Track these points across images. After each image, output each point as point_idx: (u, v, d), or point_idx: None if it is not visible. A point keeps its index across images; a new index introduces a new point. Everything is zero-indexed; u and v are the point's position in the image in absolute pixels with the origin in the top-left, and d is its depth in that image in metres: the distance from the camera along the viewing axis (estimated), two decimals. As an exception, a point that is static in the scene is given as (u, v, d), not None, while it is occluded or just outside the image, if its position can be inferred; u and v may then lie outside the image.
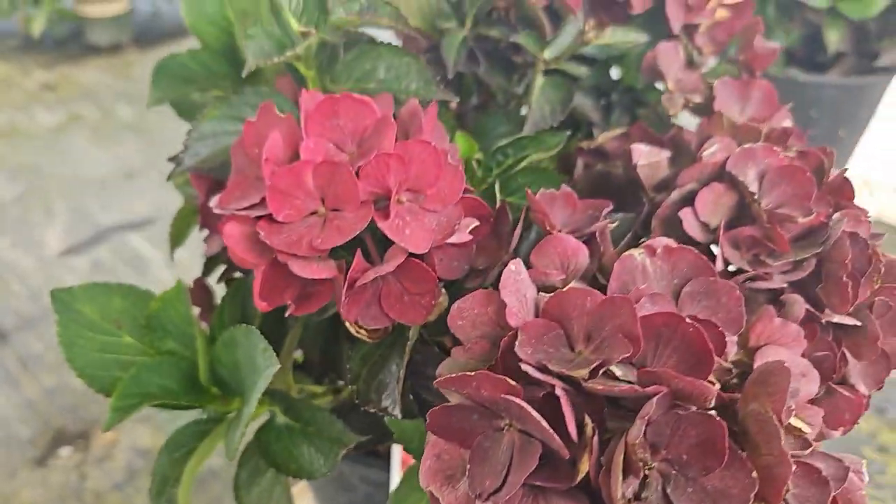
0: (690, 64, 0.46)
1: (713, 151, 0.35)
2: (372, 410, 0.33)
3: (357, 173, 0.28)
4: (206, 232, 0.43)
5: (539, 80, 0.42)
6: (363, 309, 0.29)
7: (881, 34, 0.98)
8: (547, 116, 0.41)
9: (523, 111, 0.45)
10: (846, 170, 0.38)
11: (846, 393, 0.32)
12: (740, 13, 0.49)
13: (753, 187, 0.33)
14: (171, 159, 0.38)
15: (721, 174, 0.33)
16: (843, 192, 0.36)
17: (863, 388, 0.33)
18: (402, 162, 0.27)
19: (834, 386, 0.32)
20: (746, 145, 0.33)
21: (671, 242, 0.28)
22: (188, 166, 0.34)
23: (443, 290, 0.34)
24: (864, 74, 0.98)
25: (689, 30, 0.52)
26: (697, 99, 0.44)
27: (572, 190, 0.37)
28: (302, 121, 0.29)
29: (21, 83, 2.95)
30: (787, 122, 0.46)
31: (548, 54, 0.41)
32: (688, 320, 0.24)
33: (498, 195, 0.37)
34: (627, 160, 0.37)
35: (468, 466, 0.24)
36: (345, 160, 0.28)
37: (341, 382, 0.42)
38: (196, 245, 1.97)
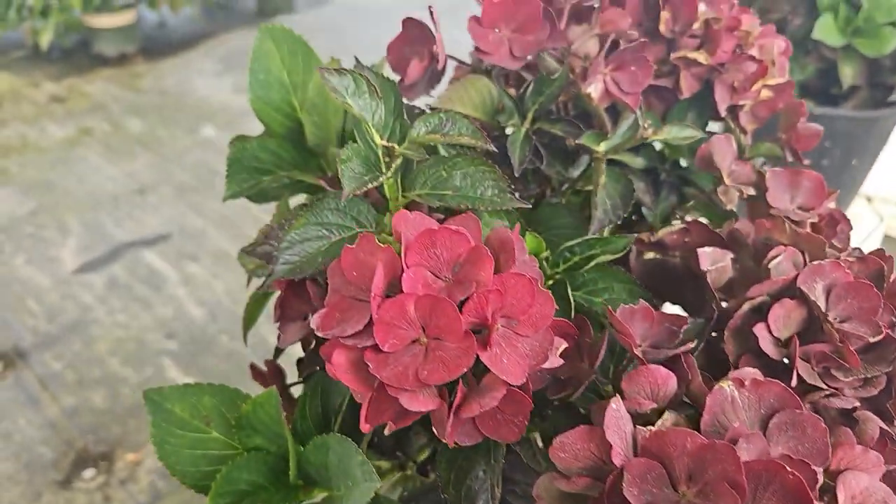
0: (742, 155, 0.48)
1: (779, 262, 0.36)
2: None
3: (461, 307, 0.29)
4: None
5: (602, 178, 0.43)
6: (464, 427, 0.31)
7: (893, 70, 1.01)
8: (610, 212, 0.43)
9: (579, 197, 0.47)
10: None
11: None
12: (782, 92, 0.51)
13: (821, 302, 0.34)
14: (257, 263, 0.38)
15: (791, 289, 0.34)
16: None
17: None
18: (500, 295, 0.29)
19: None
20: (816, 262, 0.35)
21: (758, 374, 0.30)
22: (280, 274, 0.36)
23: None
24: (877, 108, 1.00)
25: (734, 110, 0.54)
26: (752, 192, 0.46)
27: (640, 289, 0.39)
28: (403, 250, 0.30)
29: (30, 95, 2.95)
30: (832, 205, 0.48)
31: (604, 147, 0.43)
32: (787, 468, 0.25)
33: (571, 298, 0.39)
34: (692, 259, 0.39)
35: None
36: (443, 290, 0.30)
37: (407, 460, 0.44)
38: (210, 261, 1.97)
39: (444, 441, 0.31)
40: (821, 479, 0.28)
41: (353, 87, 0.37)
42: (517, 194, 0.42)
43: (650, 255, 0.45)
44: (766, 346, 0.33)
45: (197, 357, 1.62)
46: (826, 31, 0.89)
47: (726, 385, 0.30)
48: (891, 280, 0.37)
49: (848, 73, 0.94)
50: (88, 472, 1.30)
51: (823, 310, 0.34)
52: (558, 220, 0.45)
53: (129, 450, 1.36)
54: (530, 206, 0.40)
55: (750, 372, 0.30)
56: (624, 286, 0.40)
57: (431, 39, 0.43)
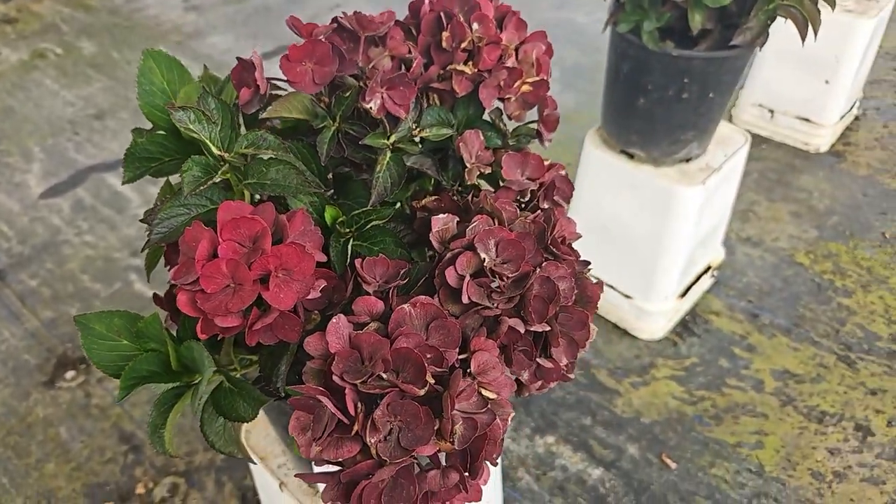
0: (506, 137, 0.67)
1: (475, 225, 0.56)
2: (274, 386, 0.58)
3: (250, 266, 0.49)
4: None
5: (384, 160, 0.62)
6: (262, 334, 0.52)
7: (739, 15, 1.16)
8: (389, 188, 0.62)
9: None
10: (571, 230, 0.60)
11: (549, 364, 0.56)
12: (538, 88, 0.68)
13: (492, 253, 0.55)
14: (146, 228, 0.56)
15: (471, 245, 0.54)
16: (559, 247, 0.58)
17: (564, 360, 0.57)
18: (276, 258, 0.49)
19: (540, 362, 0.56)
20: (486, 228, 0.55)
21: (426, 299, 0.50)
22: (154, 241, 0.55)
23: (317, 313, 0.57)
24: (726, 49, 1.15)
25: (505, 101, 0.72)
26: (488, 170, 0.65)
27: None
28: (219, 229, 0.50)
29: (-20, 18, 2.96)
30: (562, 183, 0.67)
31: (383, 143, 0.61)
32: (415, 350, 0.46)
33: (349, 250, 0.59)
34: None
35: (312, 424, 0.48)
36: (243, 256, 0.49)
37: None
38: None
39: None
40: (454, 357, 0.50)
41: (193, 117, 0.55)
42: (330, 175, 0.63)
43: (422, 214, 0.65)
44: (452, 279, 0.53)
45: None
46: None
47: (406, 305, 0.50)
48: (552, 233, 0.58)
49: (697, 20, 1.09)
50: (70, 374, 1.53)
51: (492, 258, 0.54)
52: (359, 192, 0.64)
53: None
54: (323, 190, 0.59)
55: (421, 298, 0.51)
56: (393, 239, 0.60)
57: (254, 72, 0.61)
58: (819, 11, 1.01)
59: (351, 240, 0.59)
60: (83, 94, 2.49)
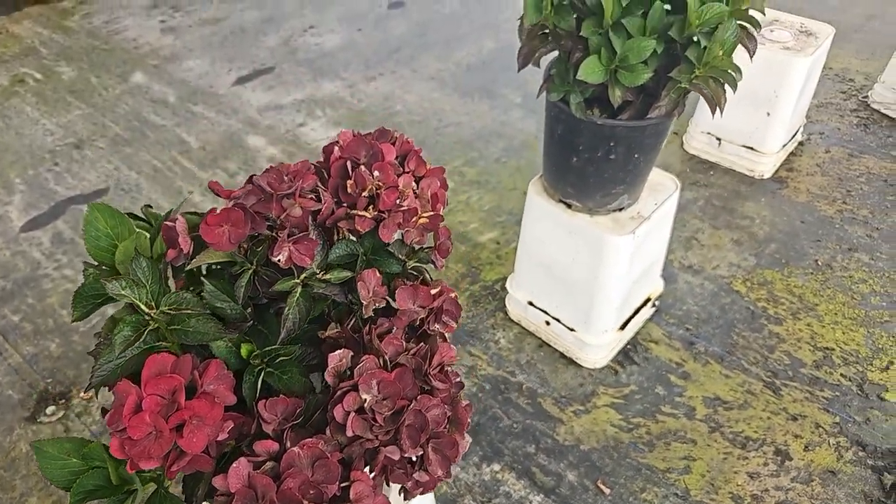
0: (408, 258, 0.77)
1: (361, 367, 0.66)
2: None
3: (167, 418, 0.60)
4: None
5: (293, 299, 0.71)
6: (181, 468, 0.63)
7: (656, 88, 1.26)
8: (297, 323, 0.71)
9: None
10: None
11: (425, 478, 0.66)
12: (434, 220, 0.77)
13: (374, 391, 0.65)
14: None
15: (356, 386, 0.65)
16: (437, 376, 0.68)
17: (439, 472, 0.68)
18: (189, 410, 0.60)
19: (417, 477, 0.66)
20: (370, 370, 0.65)
21: (312, 441, 0.60)
22: (95, 385, 0.66)
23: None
24: (644, 118, 1.24)
25: (405, 232, 0.81)
26: (383, 304, 0.74)
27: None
28: (143, 383, 0.60)
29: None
30: (450, 306, 0.76)
31: (291, 285, 0.71)
32: (298, 489, 0.57)
33: (258, 384, 0.69)
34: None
35: None
36: (163, 408, 0.60)
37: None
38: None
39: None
40: (334, 490, 0.60)
41: (124, 284, 0.65)
42: (249, 310, 0.73)
43: (329, 339, 0.75)
44: (339, 416, 0.63)
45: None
46: (589, 71, 1.13)
47: (296, 448, 0.61)
48: (431, 364, 0.68)
49: (617, 94, 1.19)
50: (50, 409, 1.62)
51: (374, 396, 0.64)
52: (274, 323, 0.74)
53: (83, 389, 1.69)
54: (237, 333, 0.69)
55: (309, 441, 0.61)
56: (298, 370, 0.70)
57: (178, 238, 0.70)
58: (724, 90, 1.12)
59: (263, 372, 0.70)
60: (62, 122, 2.56)
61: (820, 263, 1.87)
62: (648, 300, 1.68)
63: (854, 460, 1.42)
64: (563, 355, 1.64)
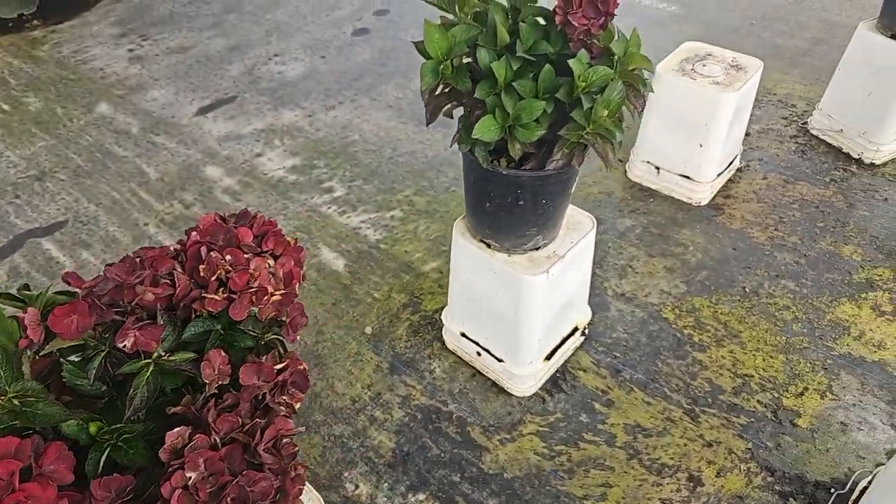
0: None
1: (191, 446, 0.73)
2: None
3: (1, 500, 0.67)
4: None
5: (142, 379, 0.77)
6: None
7: (554, 142, 1.32)
8: (144, 401, 0.78)
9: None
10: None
11: None
12: (287, 297, 0.84)
13: (201, 468, 0.71)
14: None
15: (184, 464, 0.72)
16: (269, 450, 0.76)
17: None
18: (23, 491, 0.66)
19: None
20: (197, 450, 0.71)
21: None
22: None
23: None
24: (543, 168, 1.30)
25: (259, 308, 0.87)
26: (226, 381, 0.80)
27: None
28: None
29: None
30: (297, 378, 0.83)
31: (137, 367, 0.78)
32: None
33: (101, 463, 0.75)
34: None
35: None
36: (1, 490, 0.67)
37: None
38: (100, 248, 2.23)
39: None
40: None
41: None
42: (105, 388, 0.79)
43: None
44: (166, 492, 0.70)
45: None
46: (484, 129, 1.20)
47: None
48: (263, 438, 0.75)
49: (516, 149, 1.27)
50: None
51: (200, 473, 0.71)
52: (121, 409, 0.81)
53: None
54: (86, 413, 0.75)
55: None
56: (142, 445, 0.76)
57: (27, 330, 0.77)
58: (613, 146, 1.20)
59: (110, 448, 0.76)
60: (26, 154, 2.63)
61: (747, 290, 1.95)
62: (577, 329, 1.75)
63: (762, 485, 1.50)
64: (494, 384, 1.72)
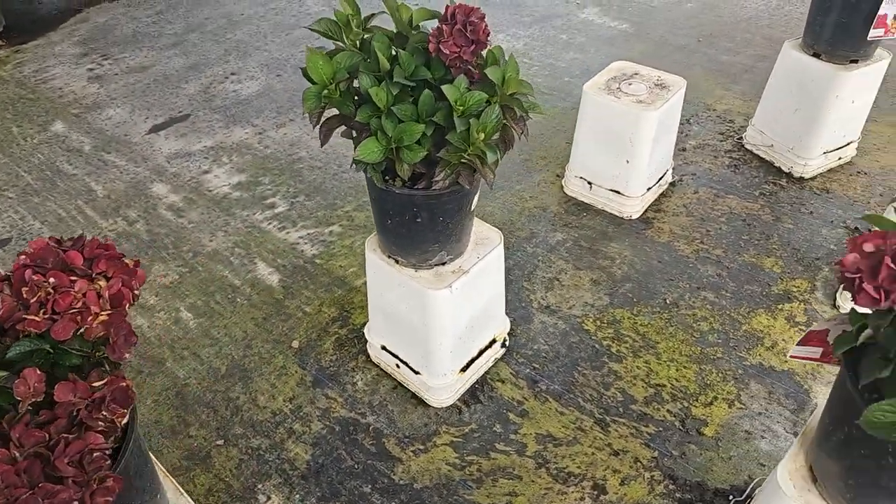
0: None
1: None
2: None
3: None
4: None
5: None
6: None
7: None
8: None
9: None
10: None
11: None
12: (115, 317, 0.88)
13: None
14: None
15: None
16: (75, 465, 0.79)
17: None
18: None
19: None
20: None
21: None
22: None
23: None
24: (432, 189, 1.34)
25: (86, 329, 0.91)
26: (41, 399, 0.84)
27: None
28: None
29: None
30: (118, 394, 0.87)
31: None
32: None
33: None
34: None
35: None
36: None
37: None
38: None
39: None
40: None
41: None
42: None
43: None
44: None
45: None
46: (367, 151, 1.26)
47: None
48: (67, 452, 0.78)
49: (404, 169, 1.32)
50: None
51: None
52: None
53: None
54: None
55: None
56: None
57: None
58: (490, 167, 1.25)
59: None
60: (-23, 173, 2.67)
61: (668, 302, 2.00)
62: (495, 341, 1.80)
63: (664, 493, 1.54)
64: (414, 396, 1.76)
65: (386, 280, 1.59)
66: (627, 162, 2.18)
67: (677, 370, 1.81)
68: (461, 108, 1.20)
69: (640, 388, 1.77)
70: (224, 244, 2.26)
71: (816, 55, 2.27)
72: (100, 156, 2.74)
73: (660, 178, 2.36)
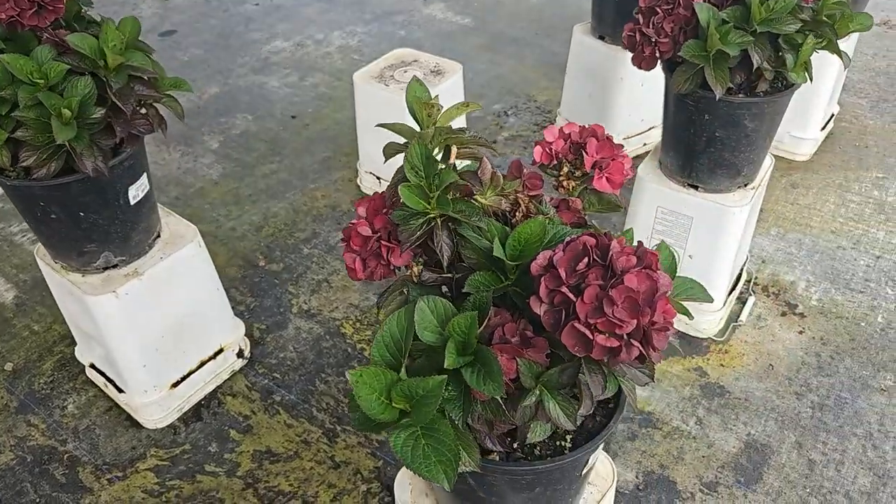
0: None
1: None
2: None
3: None
4: None
5: None
6: None
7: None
8: None
9: None
10: None
11: None
12: None
13: None
14: None
15: None
16: None
17: None
18: None
19: None
20: None
21: None
22: None
23: None
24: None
25: None
26: None
27: None
28: None
29: None
30: None
31: None
32: None
33: None
34: None
35: None
36: None
37: None
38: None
39: None
40: None
41: None
42: None
43: None
44: None
45: None
46: None
47: None
48: None
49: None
50: None
51: None
52: None
53: None
54: None
55: None
56: None
57: None
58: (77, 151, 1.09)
59: None
60: None
61: (436, 299, 1.87)
62: (222, 350, 1.63)
63: (376, 507, 1.40)
64: (129, 417, 1.58)
65: (59, 290, 1.41)
66: (404, 153, 2.06)
67: (427, 371, 1.67)
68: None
69: (382, 393, 1.62)
70: (-34, 260, 2.05)
71: (601, 38, 2.20)
72: None
73: (451, 171, 2.24)
